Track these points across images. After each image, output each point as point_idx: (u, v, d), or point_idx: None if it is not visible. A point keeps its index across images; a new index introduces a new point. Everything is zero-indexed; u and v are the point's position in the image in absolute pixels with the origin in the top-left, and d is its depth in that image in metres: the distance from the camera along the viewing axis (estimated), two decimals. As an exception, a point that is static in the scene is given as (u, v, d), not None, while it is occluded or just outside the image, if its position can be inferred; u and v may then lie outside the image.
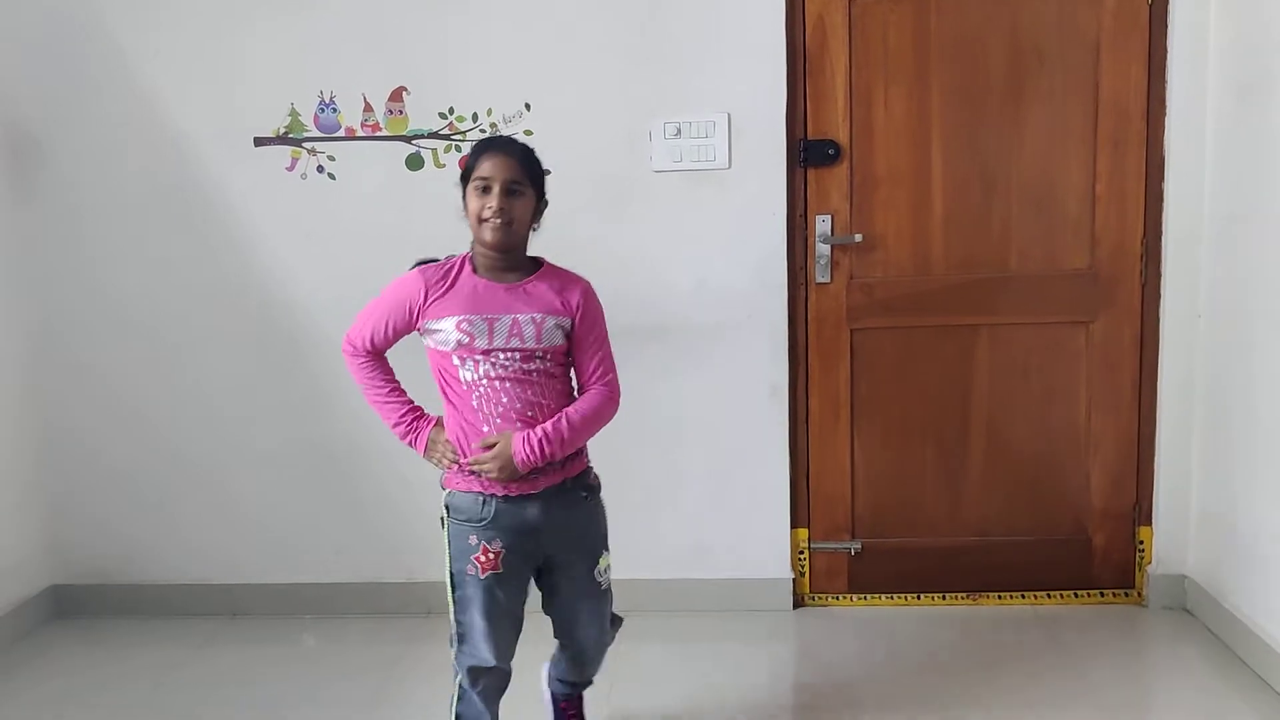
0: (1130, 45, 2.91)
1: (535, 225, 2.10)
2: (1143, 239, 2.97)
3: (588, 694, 2.44)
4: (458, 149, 3.02)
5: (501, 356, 2.02)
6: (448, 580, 2.10)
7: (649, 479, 3.08)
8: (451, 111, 3.01)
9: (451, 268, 2.08)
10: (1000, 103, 2.96)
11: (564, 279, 2.12)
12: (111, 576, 3.24)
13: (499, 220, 2.00)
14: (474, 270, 2.07)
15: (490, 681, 2.14)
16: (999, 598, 3.13)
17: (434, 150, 3.02)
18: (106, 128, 3.07)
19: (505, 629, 2.11)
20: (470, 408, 2.04)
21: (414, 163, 3.03)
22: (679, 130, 2.95)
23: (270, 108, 3.03)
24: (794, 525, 3.13)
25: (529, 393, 2.04)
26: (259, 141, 3.05)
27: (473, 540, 2.05)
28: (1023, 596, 3.12)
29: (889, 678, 2.71)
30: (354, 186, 3.05)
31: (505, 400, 2.03)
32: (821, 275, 3.03)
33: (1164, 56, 2.89)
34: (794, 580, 3.14)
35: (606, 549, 2.20)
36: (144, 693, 2.77)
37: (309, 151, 3.04)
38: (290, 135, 3.04)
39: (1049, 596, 3.12)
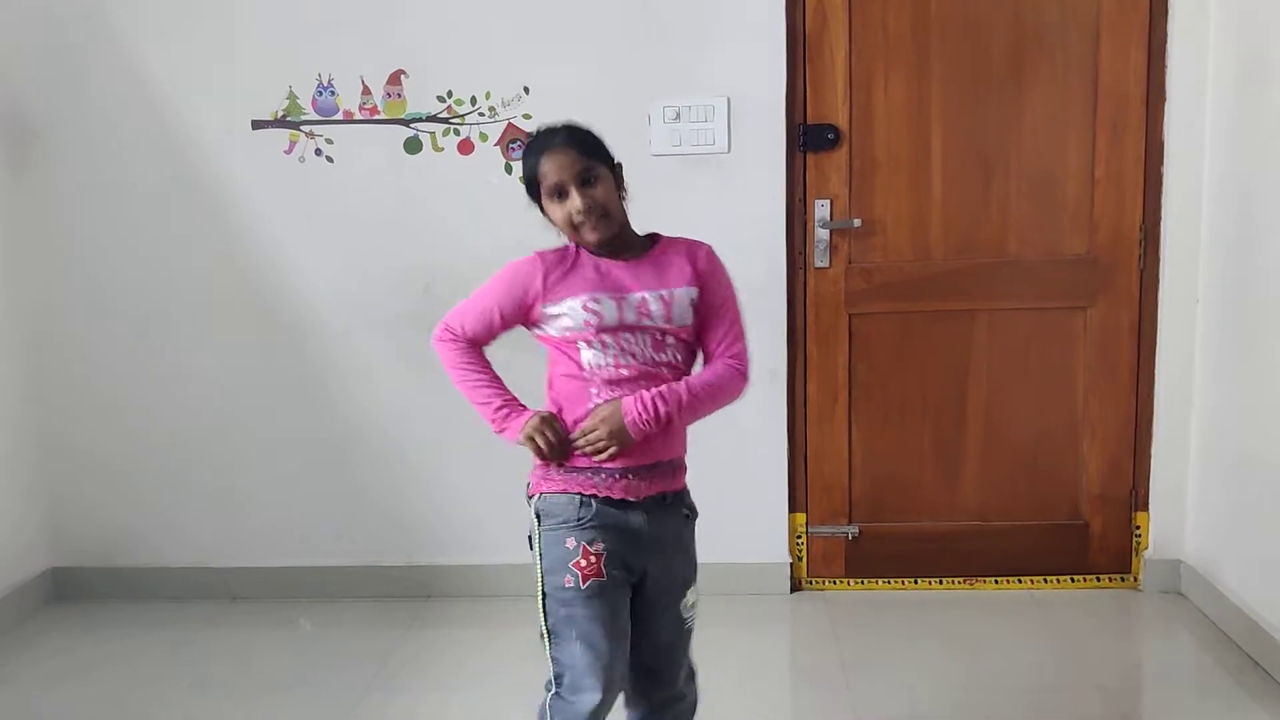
0: (1130, 30, 2.90)
1: (623, 194, 1.87)
2: (1141, 224, 2.97)
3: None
4: (456, 132, 3.01)
5: (630, 339, 1.80)
6: (540, 610, 1.82)
7: (647, 463, 3.08)
8: (450, 95, 3.00)
9: (569, 251, 1.86)
10: (1000, 87, 2.95)
11: (686, 246, 1.90)
12: (110, 559, 3.25)
13: (594, 217, 1.79)
14: (591, 253, 1.85)
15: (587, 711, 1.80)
16: (996, 582, 3.14)
17: (432, 134, 3.01)
18: (103, 111, 3.05)
19: (616, 653, 1.81)
20: (587, 397, 1.81)
21: (412, 146, 3.02)
22: (678, 114, 2.95)
23: (268, 91, 3.02)
24: (792, 509, 3.14)
25: (654, 382, 1.81)
26: (256, 125, 3.04)
27: (570, 544, 1.79)
28: (1019, 581, 3.13)
29: (886, 662, 2.72)
30: (352, 170, 3.04)
31: (626, 385, 1.80)
32: (820, 260, 3.03)
33: (1164, 41, 2.88)
34: (791, 564, 3.15)
35: (696, 582, 1.97)
36: (143, 675, 2.78)
37: (307, 135, 3.03)
38: (288, 118, 3.03)
39: (1045, 581, 3.13)
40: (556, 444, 1.80)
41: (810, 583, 3.19)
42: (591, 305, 1.79)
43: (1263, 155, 2.61)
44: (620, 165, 1.88)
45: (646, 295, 1.81)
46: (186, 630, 3.02)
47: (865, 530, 3.15)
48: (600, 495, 1.81)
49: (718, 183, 2.97)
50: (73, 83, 3.05)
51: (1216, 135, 2.83)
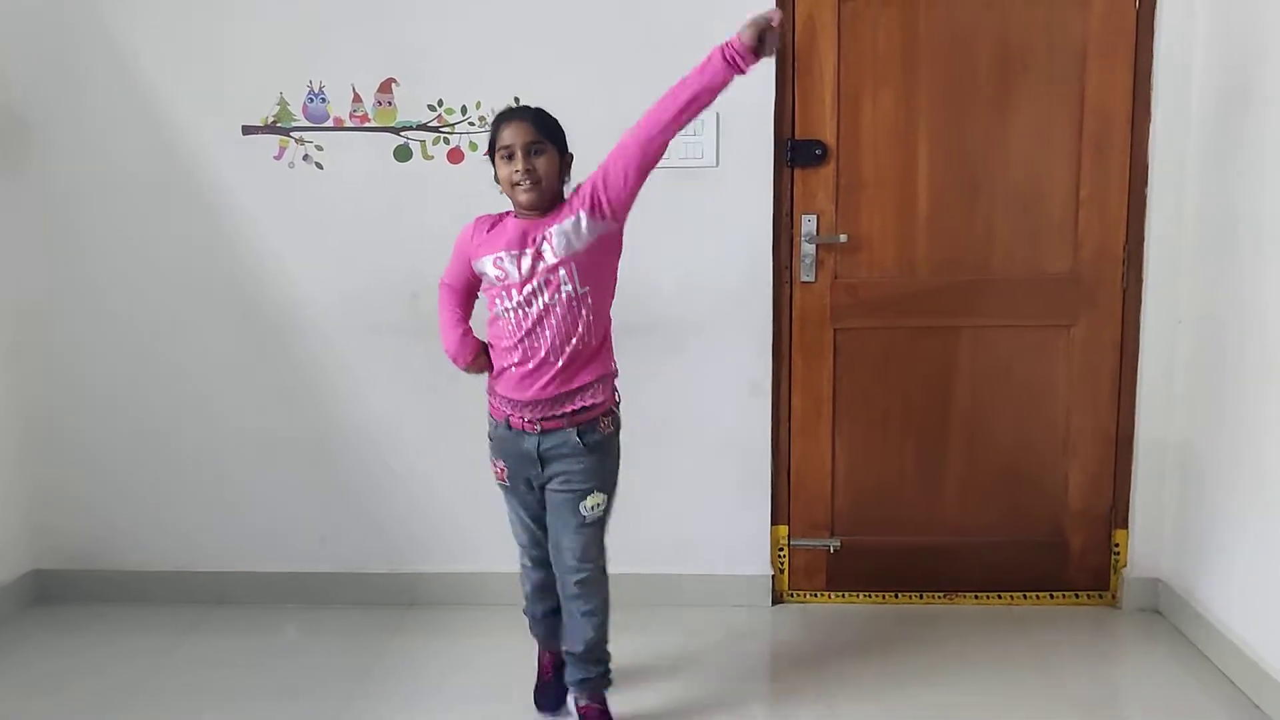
0: (1116, 51, 2.92)
1: (566, 178, 2.28)
2: (1125, 244, 3.00)
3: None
4: (446, 141, 3.02)
5: (529, 286, 2.21)
6: None
7: (631, 474, 3.05)
8: (440, 104, 3.01)
9: (503, 215, 2.31)
10: (987, 106, 2.97)
11: (574, 195, 2.27)
12: (94, 562, 3.25)
13: (528, 181, 2.19)
14: (515, 215, 2.29)
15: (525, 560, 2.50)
16: (975, 598, 3.16)
17: (422, 142, 3.02)
18: (95, 114, 3.06)
19: (529, 530, 2.44)
20: (498, 336, 2.29)
21: (402, 154, 3.03)
22: (667, 127, 2.95)
23: (259, 97, 3.03)
24: (774, 522, 3.15)
25: (547, 326, 2.22)
26: (247, 130, 3.04)
27: (491, 455, 2.40)
28: (999, 597, 3.16)
29: (865, 675, 2.74)
30: (342, 176, 3.05)
31: (530, 328, 2.22)
32: (806, 274, 3.04)
33: (1149, 62, 2.91)
34: (773, 577, 3.16)
35: (602, 490, 2.35)
36: (126, 679, 2.78)
37: (297, 141, 3.04)
38: (279, 124, 3.04)
39: (1025, 597, 3.15)
40: (466, 362, 2.36)
41: (791, 595, 3.21)
42: (499, 263, 2.23)
43: (1246, 177, 2.64)
44: (571, 156, 2.29)
45: (542, 234, 2.20)
46: (170, 635, 3.02)
47: (847, 544, 3.16)
48: (502, 422, 2.32)
49: (706, 196, 2.99)
50: (67, 84, 3.05)
51: (1200, 156, 2.86)
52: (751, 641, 2.97)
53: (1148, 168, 2.95)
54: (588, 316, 2.23)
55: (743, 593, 3.15)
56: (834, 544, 3.16)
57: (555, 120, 2.27)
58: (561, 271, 2.20)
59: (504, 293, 2.24)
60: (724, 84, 2.21)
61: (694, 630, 3.02)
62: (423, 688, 2.72)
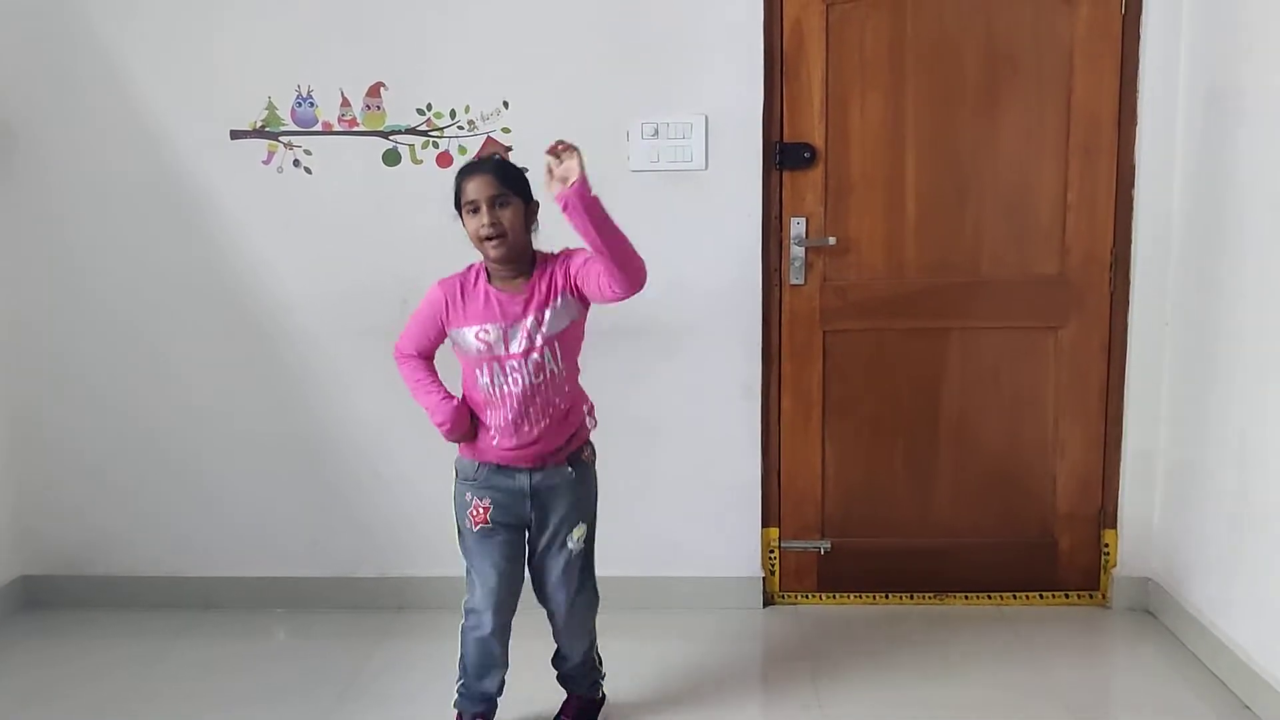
0: (1103, 54, 2.94)
1: (534, 226, 2.26)
2: (1112, 247, 3.01)
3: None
4: (435, 145, 3.02)
5: (515, 364, 2.21)
6: (458, 542, 2.38)
7: (621, 477, 3.06)
8: (429, 108, 3.01)
9: (469, 277, 2.27)
10: (974, 109, 2.99)
11: (551, 261, 2.26)
12: (83, 567, 3.24)
13: (495, 235, 2.16)
14: (489, 279, 2.25)
15: (483, 627, 2.37)
16: (966, 598, 3.17)
17: (411, 146, 3.02)
18: (83, 118, 3.05)
19: (503, 582, 2.34)
20: (483, 404, 2.26)
21: (391, 158, 3.03)
22: (656, 130, 2.97)
23: (247, 101, 3.03)
24: (765, 524, 3.16)
25: (535, 400, 2.23)
26: (235, 134, 3.04)
27: (468, 497, 2.32)
28: (989, 597, 3.16)
29: (857, 676, 2.74)
30: (330, 181, 3.05)
31: (518, 402, 2.22)
32: (796, 277, 3.05)
33: (1136, 66, 2.93)
34: (764, 579, 3.17)
35: (584, 521, 2.37)
36: (115, 685, 2.77)
37: (285, 145, 3.04)
38: (267, 129, 3.03)
39: (1015, 597, 3.16)
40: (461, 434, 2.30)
41: (782, 597, 3.21)
42: (482, 335, 2.21)
43: (1232, 180, 2.65)
44: (537, 204, 2.24)
45: (525, 322, 2.20)
46: (159, 640, 3.01)
47: (837, 545, 3.17)
48: (491, 462, 2.28)
49: (695, 199, 2.99)
50: (55, 89, 3.04)
51: (1187, 159, 2.87)
52: (743, 643, 2.97)
53: (1135, 170, 2.96)
54: (566, 384, 2.27)
55: (734, 595, 3.15)
56: (825, 546, 3.17)
57: (518, 170, 2.25)
58: (548, 350, 2.22)
59: (489, 364, 2.22)
60: (593, 224, 2.05)
61: (685, 633, 3.02)
62: (411, 691, 2.72)
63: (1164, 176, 2.93)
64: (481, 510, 2.30)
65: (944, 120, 2.99)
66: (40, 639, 3.05)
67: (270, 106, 3.03)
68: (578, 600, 2.40)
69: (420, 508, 3.15)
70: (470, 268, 2.29)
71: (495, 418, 2.26)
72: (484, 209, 2.17)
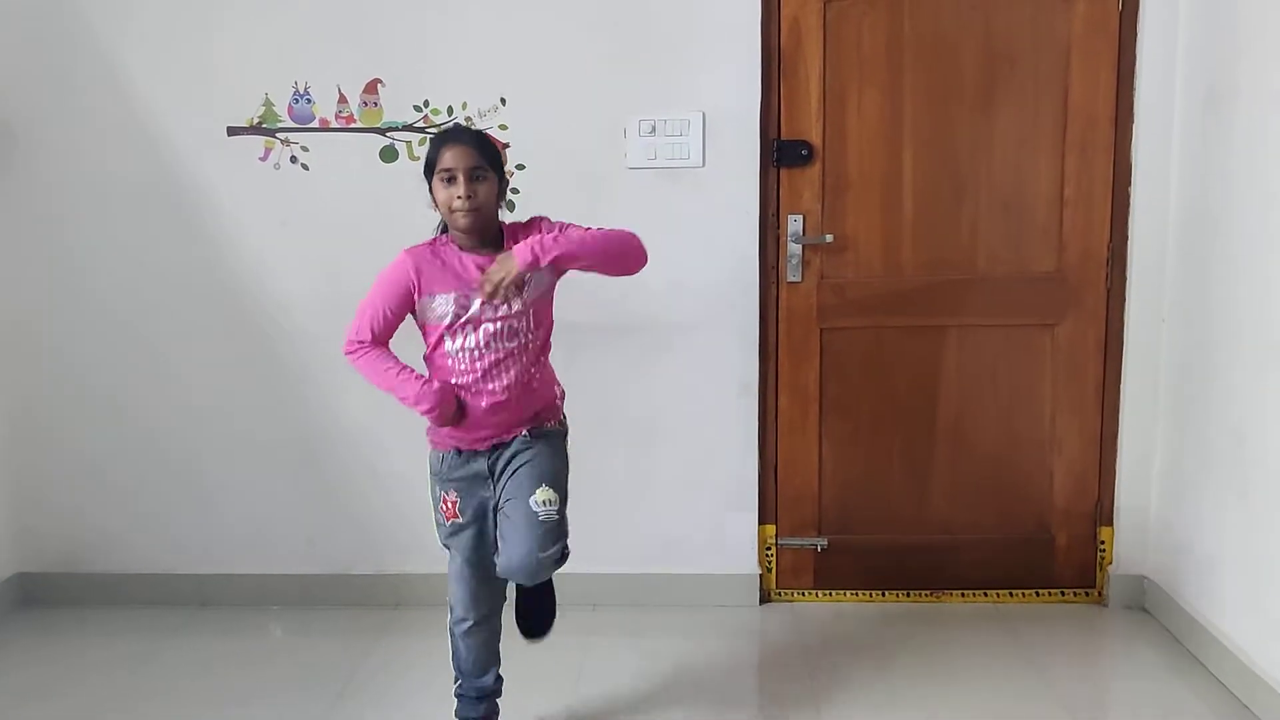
0: (1100, 52, 2.94)
1: (502, 203, 2.25)
2: (1109, 244, 3.01)
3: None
4: (432, 142, 3.02)
5: (489, 327, 2.18)
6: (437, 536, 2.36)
7: (619, 474, 3.10)
8: (427, 104, 3.01)
9: (436, 246, 2.23)
10: (971, 106, 2.99)
11: (525, 228, 2.24)
12: (79, 565, 3.23)
13: (468, 206, 2.15)
14: (458, 248, 2.22)
15: (468, 621, 2.34)
16: (962, 595, 3.17)
17: (408, 143, 3.02)
18: (80, 117, 3.04)
19: (480, 578, 2.31)
20: (449, 370, 2.21)
21: (388, 155, 3.03)
22: (654, 128, 2.97)
23: (244, 98, 3.02)
24: (761, 521, 3.16)
25: (507, 364, 2.20)
26: (232, 131, 3.04)
27: (438, 491, 2.31)
28: (985, 594, 3.17)
29: (853, 674, 2.74)
30: (328, 177, 3.04)
31: (490, 365, 2.19)
32: (793, 274, 3.05)
33: (1133, 64, 2.93)
34: (761, 576, 3.17)
35: (550, 486, 2.24)
36: (112, 682, 2.77)
37: (283, 142, 3.04)
38: (264, 125, 3.03)
39: (1011, 595, 3.17)
40: (449, 416, 2.20)
41: (779, 594, 3.21)
42: (459, 301, 2.17)
43: (1229, 177, 2.66)
44: (507, 181, 2.31)
45: (525, 278, 2.14)
46: (156, 637, 3.01)
47: (834, 542, 3.17)
48: (448, 449, 2.26)
49: (692, 196, 2.99)
50: (52, 87, 3.03)
51: (1183, 157, 2.88)
52: (739, 640, 2.98)
53: (1131, 168, 2.97)
54: (541, 355, 2.26)
55: (730, 592, 3.15)
56: (821, 543, 3.17)
57: (495, 145, 2.25)
58: (526, 317, 2.20)
59: (459, 330, 2.18)
60: (573, 258, 2.17)
61: (682, 629, 3.02)
62: (409, 689, 2.72)
63: (1161, 174, 2.93)
64: (450, 504, 2.29)
65: (942, 118, 2.99)
66: (37, 636, 3.05)
67: (267, 103, 3.02)
68: (543, 558, 2.20)
69: (417, 505, 3.10)
70: (436, 238, 2.27)
71: (463, 380, 2.19)
72: (461, 180, 2.14)
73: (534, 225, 2.24)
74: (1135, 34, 2.91)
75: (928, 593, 3.18)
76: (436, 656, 2.85)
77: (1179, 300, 2.91)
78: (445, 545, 2.35)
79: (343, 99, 3.01)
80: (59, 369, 3.16)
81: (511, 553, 2.21)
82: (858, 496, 3.16)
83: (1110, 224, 3.00)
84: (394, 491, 3.16)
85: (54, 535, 3.23)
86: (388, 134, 3.02)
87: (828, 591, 3.20)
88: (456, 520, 2.29)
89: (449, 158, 2.15)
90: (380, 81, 3.00)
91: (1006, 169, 3.00)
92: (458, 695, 2.41)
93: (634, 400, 3.06)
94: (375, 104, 3.01)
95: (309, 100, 3.02)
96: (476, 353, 2.18)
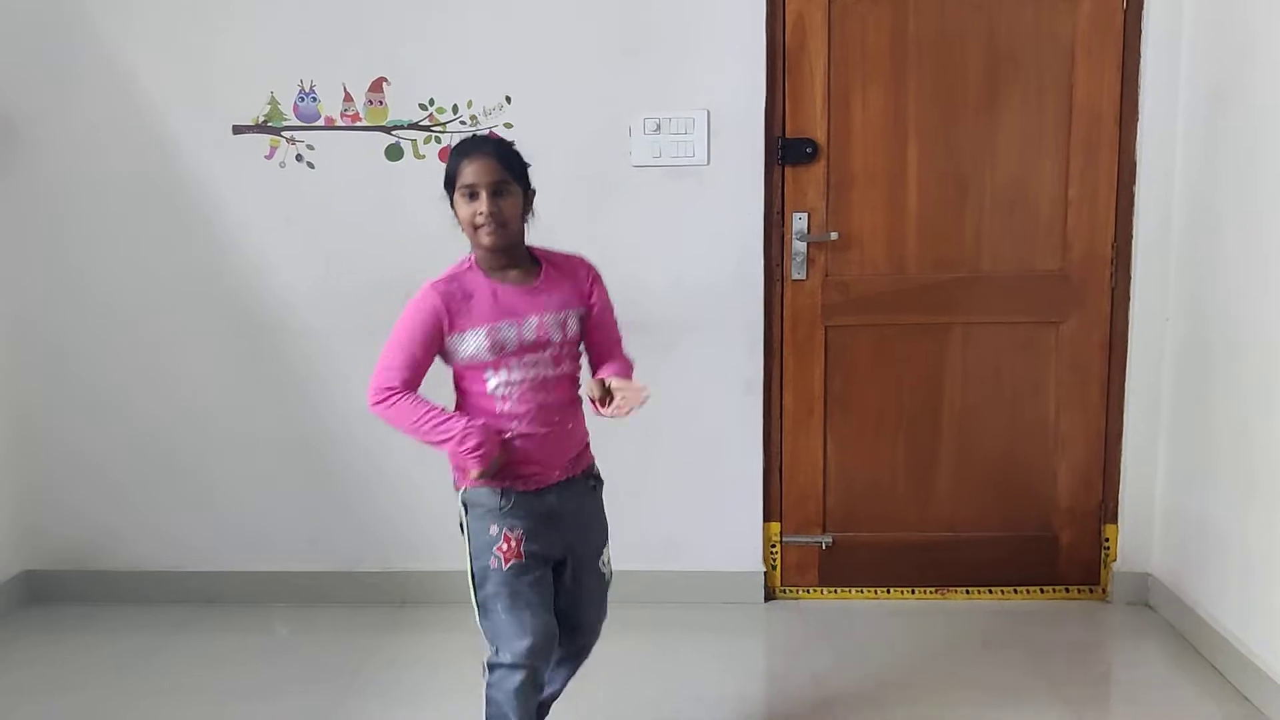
0: (1104, 51, 2.95)
1: (528, 217, 2.06)
2: (1113, 242, 3.02)
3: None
4: (437, 140, 3.02)
5: (530, 358, 2.01)
6: (471, 588, 2.06)
7: (624, 471, 3.05)
8: (432, 103, 3.01)
9: (462, 274, 2.03)
10: (976, 105, 2.99)
11: (568, 266, 2.10)
12: (85, 562, 3.24)
13: (493, 224, 1.97)
14: (485, 274, 2.03)
15: (518, 676, 2.03)
16: (967, 592, 3.18)
17: (414, 141, 3.03)
18: (85, 115, 3.05)
19: (540, 624, 2.03)
20: (494, 414, 2.01)
21: (393, 153, 3.03)
22: (659, 126, 2.97)
23: (250, 96, 3.03)
24: (766, 519, 3.16)
25: (554, 394, 2.04)
26: (237, 129, 3.04)
27: (493, 530, 2.02)
28: (990, 591, 3.17)
29: (858, 671, 2.75)
30: (333, 176, 3.05)
31: (531, 402, 2.01)
32: (797, 272, 3.06)
33: (1137, 62, 2.93)
34: (765, 573, 3.17)
35: (608, 541, 2.22)
36: (117, 680, 2.77)
37: (288, 140, 3.04)
38: (269, 124, 3.04)
39: (1016, 592, 3.17)
40: (494, 455, 1.99)
41: (784, 591, 3.22)
42: (495, 335, 1.99)
43: (1233, 176, 2.66)
44: (534, 192, 2.05)
45: (541, 319, 2.02)
46: (161, 634, 3.02)
47: (839, 540, 3.18)
48: (516, 488, 2.03)
49: (697, 194, 3.00)
50: (56, 85, 3.04)
51: (1188, 156, 2.88)
52: (744, 638, 2.98)
53: (1136, 167, 2.97)
54: (578, 389, 2.11)
55: (735, 589, 3.15)
56: (826, 540, 3.18)
57: (519, 154, 2.03)
58: (568, 348, 2.07)
59: (503, 362, 1.99)
60: None
61: (687, 627, 3.02)
62: (414, 686, 2.72)
63: (1165, 172, 2.94)
64: (514, 542, 2.02)
65: (946, 116, 3.00)
66: (42, 634, 3.05)
67: (273, 101, 3.03)
68: (599, 627, 2.22)
69: (422, 502, 3.15)
70: (460, 264, 2.05)
71: (511, 416, 2.01)
72: (484, 196, 1.96)
73: (575, 266, 2.10)
74: (1139, 33, 2.92)
75: (932, 590, 3.18)
76: (443, 653, 2.87)
77: (1183, 299, 2.92)
78: (490, 597, 2.03)
79: (348, 97, 3.02)
80: (64, 367, 3.17)
81: (582, 617, 2.16)
82: (862, 494, 3.17)
83: (1114, 222, 3.01)
84: (399, 488, 3.16)
85: (60, 533, 3.24)
86: (393, 132, 3.03)
87: (832, 589, 3.21)
88: (519, 561, 2.01)
89: (469, 172, 1.97)
90: (385, 80, 3.01)
91: (1011, 167, 3.01)
92: None
93: (639, 398, 3.06)
94: (381, 102, 3.02)
95: (314, 98, 3.02)
96: (525, 384, 2.01)
